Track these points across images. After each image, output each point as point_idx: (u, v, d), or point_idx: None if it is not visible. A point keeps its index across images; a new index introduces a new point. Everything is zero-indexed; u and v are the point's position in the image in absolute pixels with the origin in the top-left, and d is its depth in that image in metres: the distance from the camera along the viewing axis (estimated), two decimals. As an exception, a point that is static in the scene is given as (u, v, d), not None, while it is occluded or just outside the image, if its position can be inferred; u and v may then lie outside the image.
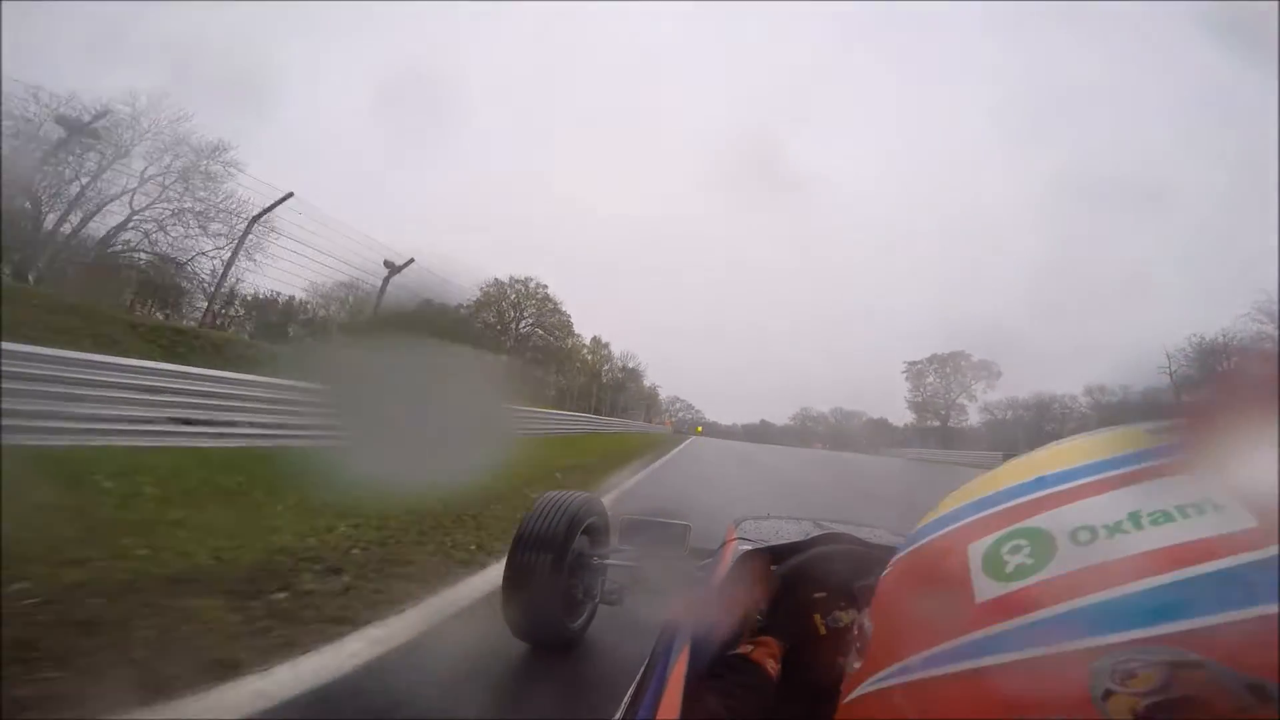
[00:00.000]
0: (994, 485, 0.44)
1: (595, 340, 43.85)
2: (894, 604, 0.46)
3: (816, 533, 1.15)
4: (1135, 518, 0.35)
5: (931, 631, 0.39)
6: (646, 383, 49.21)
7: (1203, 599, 0.30)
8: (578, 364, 40.71)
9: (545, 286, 38.67)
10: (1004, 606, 0.36)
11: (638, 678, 0.87)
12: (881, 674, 0.41)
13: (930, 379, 45.77)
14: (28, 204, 11.60)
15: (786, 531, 1.28)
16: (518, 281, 38.16)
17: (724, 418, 59.27)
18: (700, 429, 49.91)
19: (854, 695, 0.43)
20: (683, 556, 1.58)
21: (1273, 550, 0.30)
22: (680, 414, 59.73)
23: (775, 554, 1.04)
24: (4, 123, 9.61)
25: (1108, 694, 0.30)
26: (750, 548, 1.10)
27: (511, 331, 37.06)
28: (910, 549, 0.47)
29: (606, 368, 44.05)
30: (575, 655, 1.78)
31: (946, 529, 0.44)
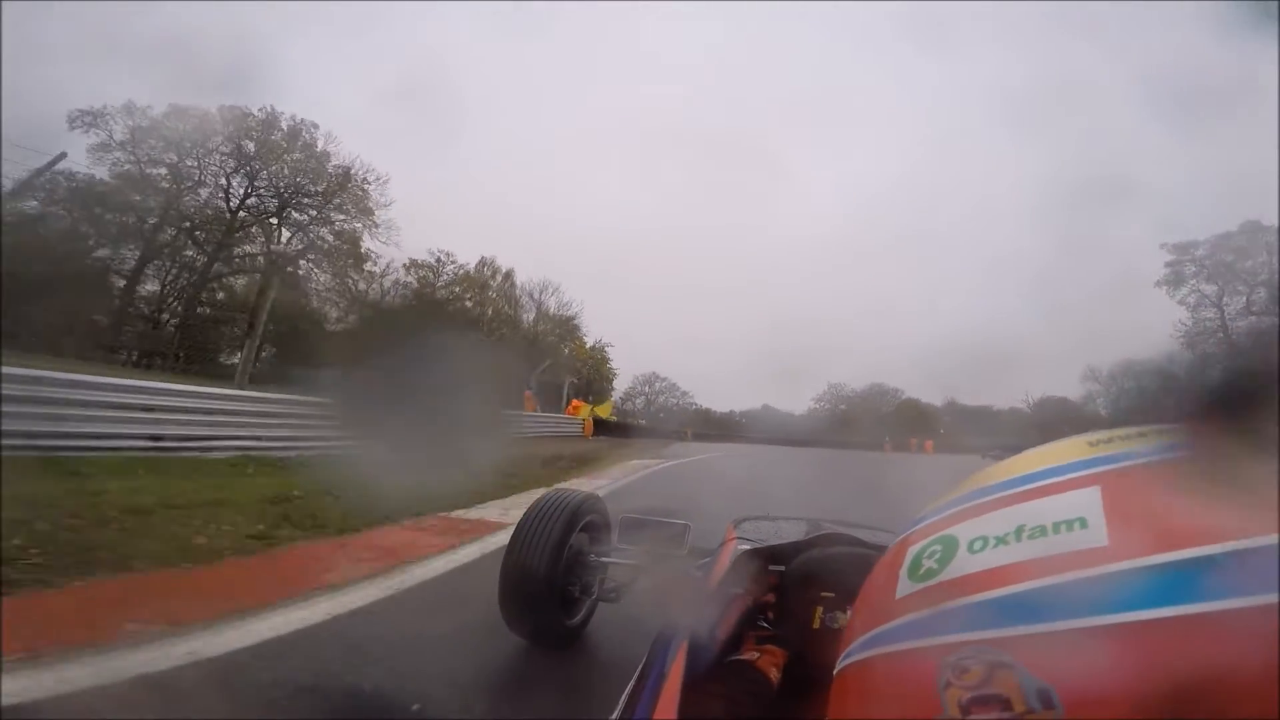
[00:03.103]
0: (950, 494, 0.66)
1: (488, 265, 38.65)
2: (860, 595, 0.70)
3: (815, 533, 1.57)
4: (1019, 531, 0.54)
5: (867, 620, 0.62)
6: (591, 343, 42.46)
7: (1030, 608, 0.48)
8: (409, 286, 35.15)
9: (318, 127, 30.71)
10: (908, 603, 0.57)
11: (635, 676, 1.22)
12: (843, 655, 0.65)
13: (1207, 286, 33.90)
14: None
15: (786, 531, 1.71)
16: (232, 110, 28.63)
17: (720, 404, 56.16)
18: (589, 409, 29.93)
19: (834, 673, 0.67)
20: (682, 556, 2.12)
21: (1104, 569, 0.47)
22: (662, 398, 53.38)
23: (774, 554, 1.45)
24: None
25: (948, 685, 0.48)
26: (749, 547, 1.50)
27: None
28: (888, 548, 0.70)
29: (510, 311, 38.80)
30: (574, 652, 2.44)
31: (907, 531, 0.67)
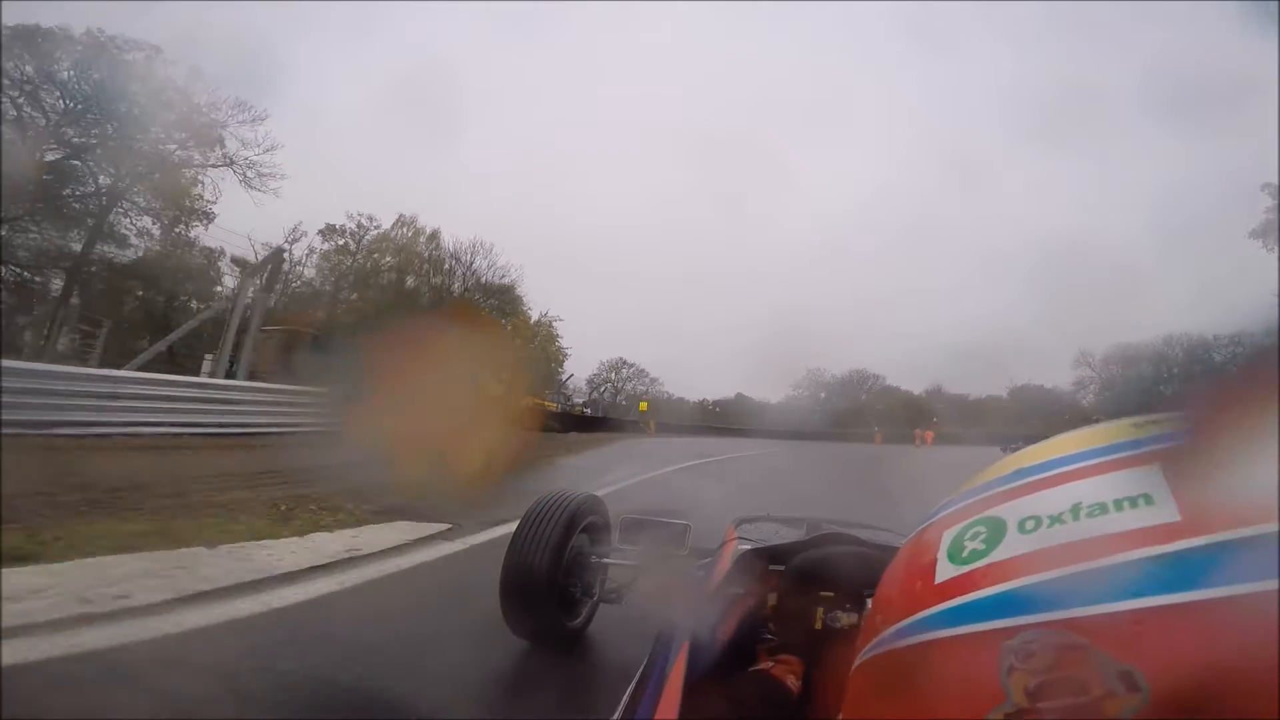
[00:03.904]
0: (986, 476, 0.69)
1: (407, 224, 34.71)
2: (884, 585, 0.74)
3: (815, 533, 1.68)
4: (1076, 510, 0.56)
5: (901, 608, 0.64)
6: (535, 315, 37.59)
7: (1103, 587, 0.49)
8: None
9: (160, 51, 25.62)
10: (952, 587, 0.59)
11: (636, 677, 1.32)
12: (868, 646, 0.68)
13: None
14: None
15: (786, 532, 1.83)
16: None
17: (692, 393, 55.76)
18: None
19: (854, 667, 0.70)
20: (682, 556, 2.29)
21: (1182, 545, 0.48)
22: (629, 384, 54.95)
23: (774, 554, 1.56)
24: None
25: (1011, 670, 0.50)
26: (750, 548, 1.61)
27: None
28: (911, 535, 0.73)
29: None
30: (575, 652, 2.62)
31: (937, 517, 0.70)
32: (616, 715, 1.22)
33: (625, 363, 52.19)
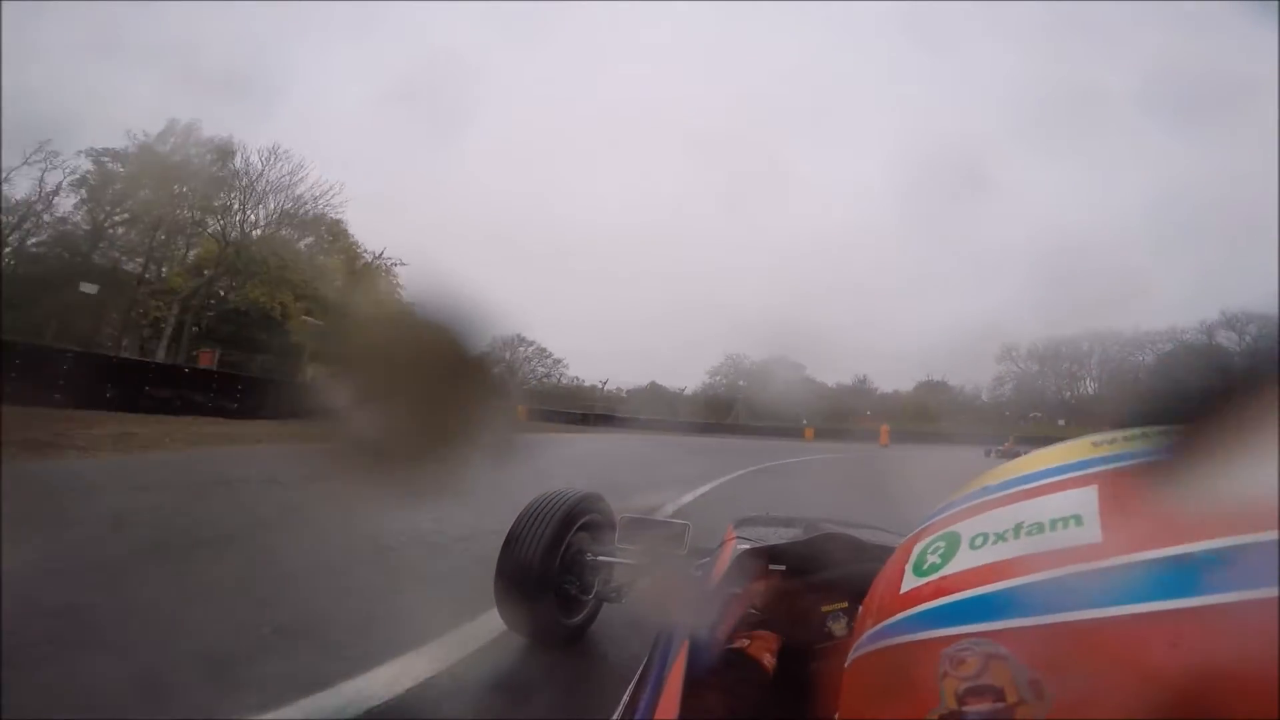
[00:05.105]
0: (959, 493, 0.80)
1: (186, 133, 28.80)
2: (870, 590, 0.84)
3: (814, 533, 1.83)
4: (1018, 528, 0.66)
5: (874, 615, 0.75)
6: (370, 257, 31.33)
7: (1024, 602, 0.59)
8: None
9: None
10: (912, 597, 0.70)
11: (636, 677, 1.41)
12: (853, 648, 0.79)
13: None
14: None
15: (784, 532, 1.98)
16: None
17: (601, 378, 54.97)
18: None
19: (845, 667, 0.80)
20: (682, 555, 2.44)
21: (1095, 565, 0.57)
22: (529, 365, 50.83)
23: (774, 554, 1.70)
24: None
25: (945, 675, 0.59)
26: (749, 547, 1.74)
27: None
28: (886, 547, 1.01)
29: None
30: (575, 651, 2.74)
31: (916, 529, 0.82)
32: (616, 715, 1.26)
33: (523, 339, 51.25)
